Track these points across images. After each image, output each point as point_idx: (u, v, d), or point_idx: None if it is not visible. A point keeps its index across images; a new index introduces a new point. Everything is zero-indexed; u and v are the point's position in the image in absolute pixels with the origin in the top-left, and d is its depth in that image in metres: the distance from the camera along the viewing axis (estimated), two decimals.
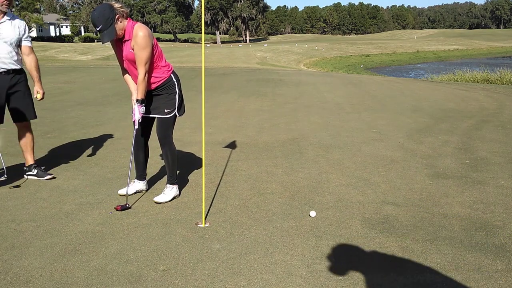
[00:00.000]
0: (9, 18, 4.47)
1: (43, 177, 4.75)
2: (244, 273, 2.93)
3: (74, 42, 69.62)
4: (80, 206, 4.02)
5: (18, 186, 4.54)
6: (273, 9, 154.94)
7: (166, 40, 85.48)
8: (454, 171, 5.10)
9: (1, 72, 4.46)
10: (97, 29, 3.65)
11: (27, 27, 4.66)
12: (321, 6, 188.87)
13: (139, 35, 3.69)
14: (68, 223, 3.65)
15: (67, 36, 76.54)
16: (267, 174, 4.97)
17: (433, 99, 10.81)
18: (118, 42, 3.88)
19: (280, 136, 6.75)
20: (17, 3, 63.92)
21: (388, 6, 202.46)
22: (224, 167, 5.22)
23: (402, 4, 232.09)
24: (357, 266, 3.01)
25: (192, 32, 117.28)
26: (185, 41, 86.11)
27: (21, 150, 4.83)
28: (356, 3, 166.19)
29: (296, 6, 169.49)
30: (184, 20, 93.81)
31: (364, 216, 3.83)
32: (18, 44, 4.56)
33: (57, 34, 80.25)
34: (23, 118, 4.67)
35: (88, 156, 5.65)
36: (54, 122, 7.62)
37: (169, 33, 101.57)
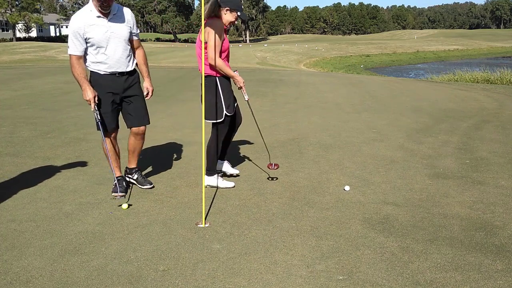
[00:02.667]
0: (115, 12, 3.99)
1: (143, 184, 4.43)
2: (244, 273, 2.93)
3: None
4: (80, 206, 4.02)
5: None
6: (273, 9, 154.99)
7: (166, 40, 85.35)
8: (454, 171, 5.10)
9: (115, 74, 4.09)
10: (241, 8, 4.21)
11: (133, 16, 4.19)
12: (321, 6, 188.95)
13: None
14: (68, 223, 3.65)
15: (67, 36, 76.34)
16: (267, 174, 4.97)
17: (433, 99, 10.81)
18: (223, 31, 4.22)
19: (280, 136, 6.75)
20: (17, 3, 63.96)
21: (388, 6, 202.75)
22: None
23: (402, 4, 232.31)
24: (357, 266, 3.01)
25: (192, 32, 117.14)
26: (185, 41, 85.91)
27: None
28: (356, 3, 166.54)
29: (296, 6, 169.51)
30: (184, 20, 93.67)
31: (364, 216, 3.83)
32: (130, 39, 4.15)
33: (57, 34, 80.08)
34: (139, 123, 4.29)
35: (88, 156, 5.65)
36: (54, 122, 7.61)
37: (169, 33, 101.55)
